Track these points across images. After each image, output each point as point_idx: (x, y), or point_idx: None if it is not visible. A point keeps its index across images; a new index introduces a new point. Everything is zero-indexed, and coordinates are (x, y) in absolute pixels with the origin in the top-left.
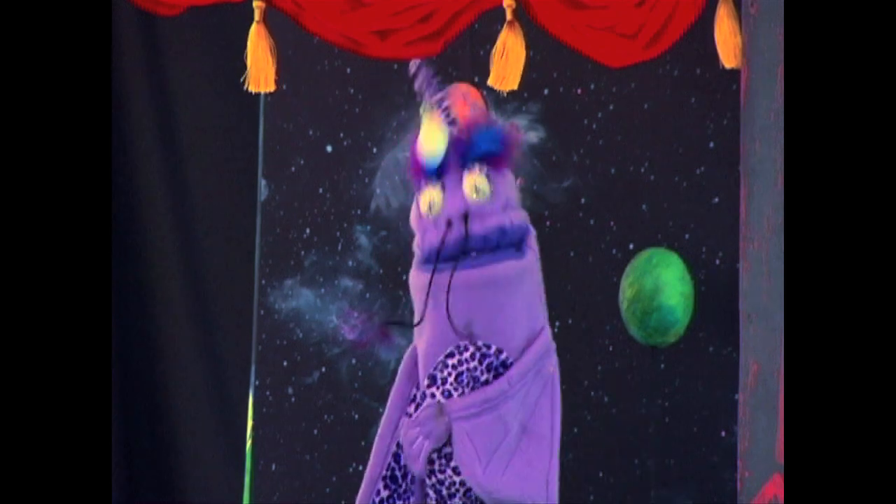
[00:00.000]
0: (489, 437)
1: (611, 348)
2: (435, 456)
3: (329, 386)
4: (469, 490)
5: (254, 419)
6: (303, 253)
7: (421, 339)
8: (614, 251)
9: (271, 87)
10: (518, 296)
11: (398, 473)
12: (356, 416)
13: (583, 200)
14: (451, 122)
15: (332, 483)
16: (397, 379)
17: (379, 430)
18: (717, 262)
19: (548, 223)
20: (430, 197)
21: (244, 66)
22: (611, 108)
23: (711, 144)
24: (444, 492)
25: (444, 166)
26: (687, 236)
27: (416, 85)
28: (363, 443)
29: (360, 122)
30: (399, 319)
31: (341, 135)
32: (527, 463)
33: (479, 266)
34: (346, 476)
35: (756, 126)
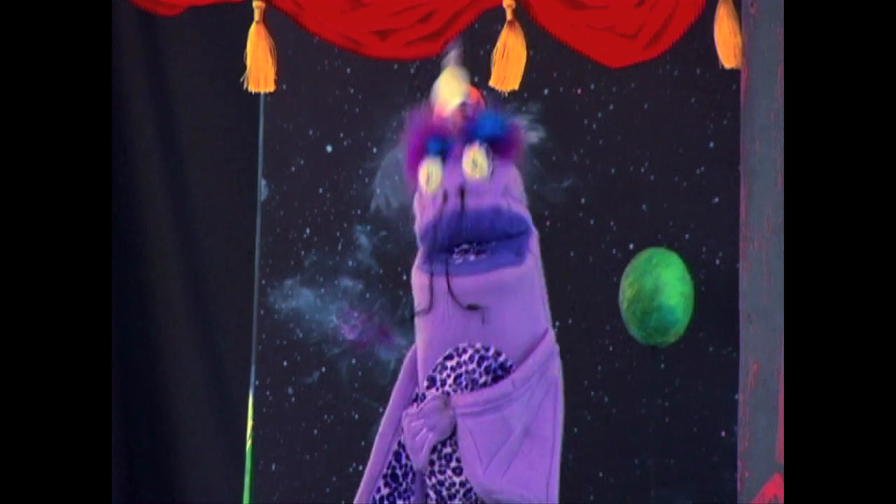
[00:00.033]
0: (492, 437)
1: (611, 348)
2: (435, 457)
3: (329, 386)
4: (469, 490)
5: (254, 419)
6: (303, 253)
7: (420, 340)
8: (614, 251)
9: (271, 87)
10: (518, 300)
11: (399, 472)
12: (356, 416)
13: (583, 200)
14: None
15: (332, 483)
16: (399, 378)
17: (380, 429)
18: (717, 262)
19: (548, 223)
20: (428, 169)
21: (244, 66)
22: (611, 108)
23: (711, 144)
24: (445, 492)
25: (446, 142)
26: (687, 236)
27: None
28: (363, 443)
29: (360, 122)
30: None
31: (341, 135)
32: (528, 465)
33: (478, 273)
34: (346, 476)
35: (756, 126)
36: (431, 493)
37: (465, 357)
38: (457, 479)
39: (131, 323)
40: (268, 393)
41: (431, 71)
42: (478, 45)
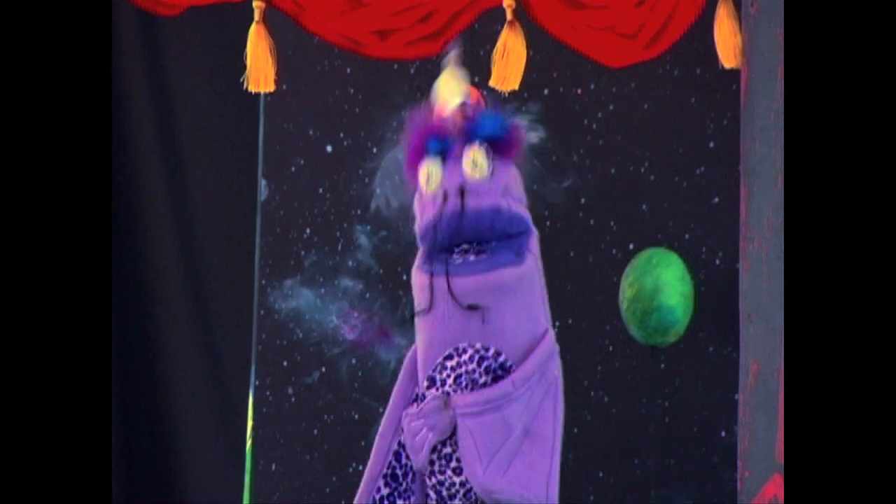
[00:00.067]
0: (492, 437)
1: (611, 348)
2: (435, 457)
3: (329, 386)
4: (469, 490)
5: (254, 419)
6: (303, 253)
7: (420, 340)
8: (614, 251)
9: (271, 87)
10: (518, 300)
11: (399, 472)
12: (356, 416)
13: (583, 200)
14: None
15: (332, 483)
16: (399, 378)
17: (380, 429)
18: (717, 262)
19: (548, 223)
20: (428, 169)
21: (244, 66)
22: (611, 108)
23: (711, 144)
24: (445, 492)
25: (446, 142)
26: (687, 236)
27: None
28: (363, 443)
29: (360, 122)
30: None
31: (341, 135)
32: (528, 465)
33: (478, 273)
34: (346, 476)
35: (756, 126)
36: (431, 493)
37: (465, 357)
38: (457, 479)
39: (131, 323)
40: (268, 393)
41: (431, 71)
42: (478, 45)
